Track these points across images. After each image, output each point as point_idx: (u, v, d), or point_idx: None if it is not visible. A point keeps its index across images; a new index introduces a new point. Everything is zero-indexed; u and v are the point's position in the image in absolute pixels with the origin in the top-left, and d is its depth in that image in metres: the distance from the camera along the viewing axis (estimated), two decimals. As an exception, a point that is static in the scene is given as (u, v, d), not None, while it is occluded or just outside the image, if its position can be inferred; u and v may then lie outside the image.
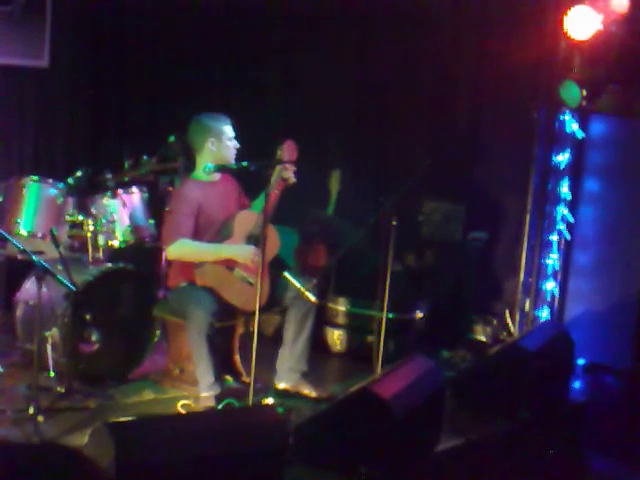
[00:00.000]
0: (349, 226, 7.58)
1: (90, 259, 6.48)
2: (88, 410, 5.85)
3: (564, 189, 7.68)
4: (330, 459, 5.04)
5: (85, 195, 6.58)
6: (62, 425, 5.54)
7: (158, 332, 6.57)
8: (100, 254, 6.54)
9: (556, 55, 7.42)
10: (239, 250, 6.08)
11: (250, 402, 5.58)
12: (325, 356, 7.46)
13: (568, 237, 7.76)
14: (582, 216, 7.78)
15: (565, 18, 7.03)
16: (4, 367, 6.35)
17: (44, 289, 5.48)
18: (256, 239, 5.95)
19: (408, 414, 5.03)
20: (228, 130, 6.29)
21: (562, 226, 7.73)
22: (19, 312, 6.34)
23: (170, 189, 7.11)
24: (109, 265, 6.42)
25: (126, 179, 6.83)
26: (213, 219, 6.19)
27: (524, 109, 7.65)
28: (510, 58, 7.34)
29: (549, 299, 7.78)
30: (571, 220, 7.73)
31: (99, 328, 6.22)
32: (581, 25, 6.97)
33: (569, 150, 7.68)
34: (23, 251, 5.50)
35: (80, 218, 6.50)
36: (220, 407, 5.84)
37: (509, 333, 7.78)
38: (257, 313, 5.53)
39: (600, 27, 6.96)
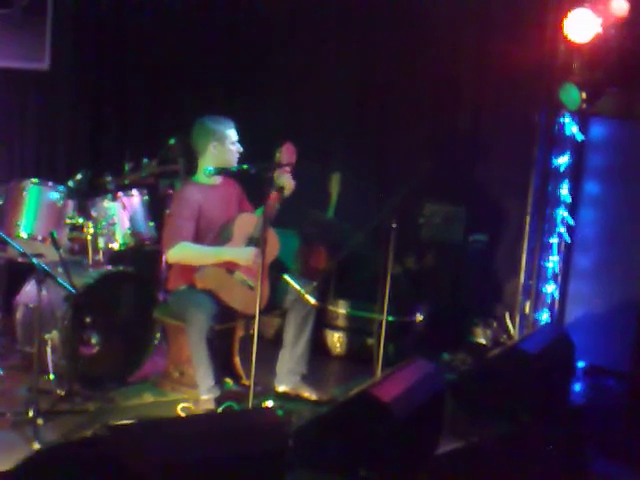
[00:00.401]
0: (349, 229, 7.58)
1: (90, 262, 6.48)
2: (88, 413, 5.85)
3: (564, 191, 7.68)
4: (330, 462, 5.03)
5: (85, 198, 6.58)
6: (62, 428, 5.54)
7: (158, 335, 6.58)
8: (100, 257, 6.54)
9: (556, 58, 7.43)
10: (240, 252, 6.08)
11: (250, 405, 5.58)
12: (325, 359, 7.46)
13: (568, 240, 7.76)
14: (582, 218, 7.79)
15: (565, 21, 7.02)
16: (4, 370, 6.35)
17: (44, 292, 5.48)
18: (256, 242, 5.95)
19: (408, 417, 5.03)
20: (231, 134, 6.28)
21: (562, 229, 7.73)
22: (19, 315, 6.34)
23: (170, 192, 7.12)
24: (109, 268, 6.42)
25: (126, 182, 6.84)
26: (214, 222, 6.19)
27: (524, 112, 7.66)
28: (510, 61, 7.35)
29: (549, 302, 7.78)
30: (571, 222, 7.73)
31: (99, 331, 6.22)
32: (581, 28, 6.97)
33: (569, 153, 7.69)
34: (23, 254, 5.50)
35: (80, 221, 6.50)
36: (220, 410, 5.84)
37: (509, 336, 7.77)
38: (257, 316, 5.52)
39: (600, 30, 6.95)
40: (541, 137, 7.68)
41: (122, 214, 6.72)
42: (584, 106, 7.33)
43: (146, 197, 6.97)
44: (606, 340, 7.54)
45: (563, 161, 7.67)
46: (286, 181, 6.11)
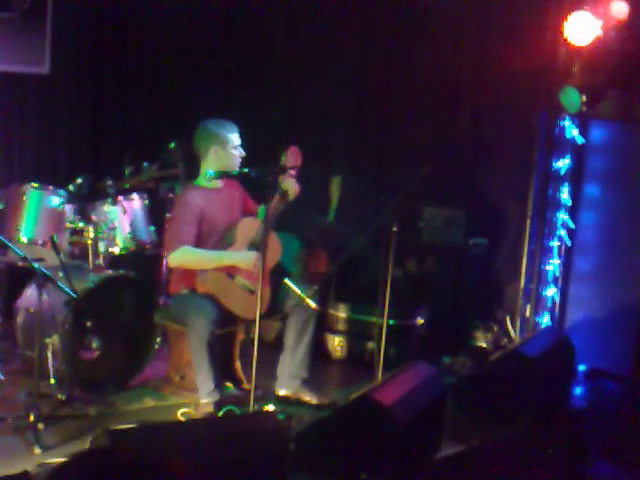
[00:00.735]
0: (350, 232, 7.58)
1: (91, 266, 6.49)
2: (88, 417, 5.84)
3: (564, 195, 7.68)
4: (331, 466, 5.03)
5: (86, 202, 6.57)
6: (62, 432, 5.54)
7: (159, 339, 6.57)
8: (101, 261, 6.54)
9: (556, 61, 7.43)
10: (241, 257, 6.08)
11: (251, 409, 5.58)
12: (326, 362, 7.46)
13: (569, 243, 7.76)
14: (582, 222, 7.78)
15: (565, 24, 7.03)
16: (4, 374, 6.35)
17: (45, 296, 5.47)
18: (258, 246, 5.94)
19: (409, 421, 5.03)
20: (234, 138, 6.26)
21: (562, 232, 7.73)
22: (20, 319, 6.34)
23: (171, 196, 7.13)
24: (110, 272, 6.42)
25: (127, 186, 6.84)
26: (216, 226, 6.18)
27: (524, 115, 7.67)
28: (510, 64, 7.35)
29: (550, 305, 7.78)
30: (571, 226, 7.73)
31: (100, 335, 6.21)
32: (581, 31, 6.97)
33: (569, 156, 7.69)
34: (24, 258, 5.50)
35: (81, 225, 6.50)
36: (221, 414, 5.84)
37: (510, 339, 7.78)
38: (257, 320, 5.52)
39: (600, 33, 6.96)
40: (541, 140, 7.69)
41: (122, 218, 6.72)
42: (584, 109, 7.33)
43: (146, 201, 6.97)
44: (607, 343, 7.54)
45: (563, 164, 7.67)
46: (290, 185, 6.11)
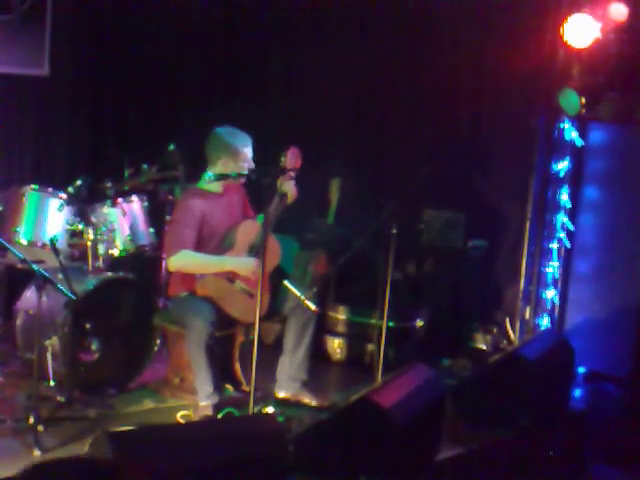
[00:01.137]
0: (349, 234, 7.57)
1: (90, 268, 6.48)
2: (88, 419, 5.84)
3: (564, 197, 7.69)
4: (330, 468, 5.03)
5: (85, 204, 6.57)
6: (62, 435, 5.54)
7: (158, 341, 6.57)
8: (100, 263, 6.54)
9: (555, 63, 7.44)
10: (241, 263, 6.08)
11: (250, 411, 5.57)
12: (325, 365, 7.46)
13: (568, 245, 7.77)
14: (582, 224, 7.79)
15: (564, 26, 7.04)
16: (4, 376, 6.35)
17: (44, 298, 5.47)
18: (258, 250, 5.92)
19: (408, 423, 5.03)
20: (246, 151, 6.20)
21: (562, 234, 7.73)
22: (19, 321, 6.33)
23: (170, 198, 7.13)
24: (109, 274, 6.41)
25: (126, 188, 6.83)
26: (217, 230, 6.18)
27: (523, 117, 7.66)
28: (509, 66, 7.35)
29: (549, 307, 7.78)
30: (571, 228, 7.74)
31: (99, 337, 6.21)
32: (580, 33, 6.98)
33: (568, 158, 7.69)
34: (23, 260, 5.50)
35: (80, 227, 6.49)
36: (220, 416, 5.83)
37: (509, 341, 7.77)
38: (257, 322, 5.52)
39: (599, 35, 6.97)
40: (540, 142, 7.69)
41: (122, 220, 6.72)
42: (583, 111, 7.34)
43: (146, 203, 6.97)
44: (606, 345, 7.54)
45: (563, 166, 7.67)
46: (289, 188, 6.10)
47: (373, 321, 7.26)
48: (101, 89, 8.66)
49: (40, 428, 5.38)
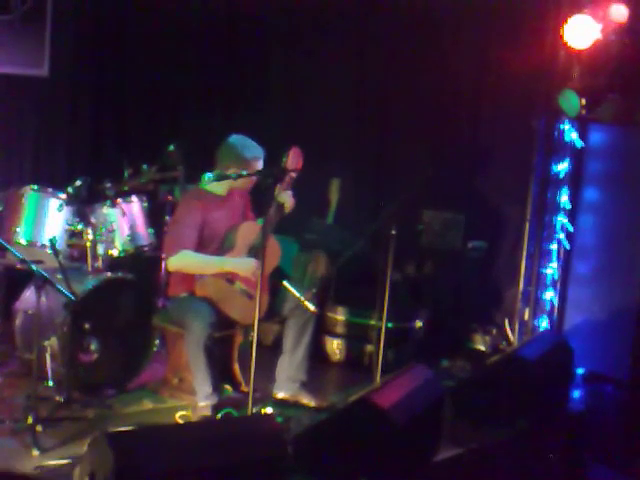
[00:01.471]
0: (349, 235, 7.57)
1: (89, 268, 6.47)
2: (87, 420, 5.84)
3: (563, 198, 7.68)
4: (329, 469, 5.03)
5: (85, 204, 6.56)
6: (61, 435, 5.54)
7: (157, 341, 6.57)
8: (99, 263, 6.53)
9: (555, 64, 7.43)
10: (241, 264, 6.07)
11: (249, 411, 5.57)
12: (324, 365, 7.45)
13: (567, 246, 7.76)
14: (581, 225, 7.78)
15: (564, 27, 7.04)
16: (3, 376, 6.35)
17: (43, 298, 5.48)
18: (258, 251, 5.91)
19: (407, 423, 5.03)
20: (257, 165, 6.16)
21: (561, 235, 7.73)
22: (18, 321, 6.33)
23: (170, 198, 7.12)
24: (108, 274, 6.41)
25: (126, 188, 6.82)
26: (217, 232, 6.16)
27: (524, 118, 7.66)
28: (510, 67, 7.36)
29: (548, 308, 7.78)
30: (570, 229, 7.73)
31: (98, 337, 6.21)
32: (580, 34, 6.98)
33: (568, 159, 7.68)
34: (22, 260, 5.49)
35: (79, 227, 6.49)
36: (219, 416, 5.83)
37: (508, 342, 7.77)
38: (256, 323, 5.51)
39: (599, 36, 6.97)
40: (540, 144, 7.68)
41: (121, 220, 6.71)
42: (584, 112, 7.35)
43: (145, 203, 6.97)
44: (605, 346, 7.53)
45: (562, 168, 7.66)
46: (287, 198, 6.10)
47: (372, 322, 7.26)
48: (101, 90, 8.66)
49: (39, 428, 5.37)
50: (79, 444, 5.31)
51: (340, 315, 7.58)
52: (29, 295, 6.25)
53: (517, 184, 7.79)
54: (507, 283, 7.93)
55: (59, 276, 5.82)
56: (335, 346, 7.54)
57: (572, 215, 7.75)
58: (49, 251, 5.96)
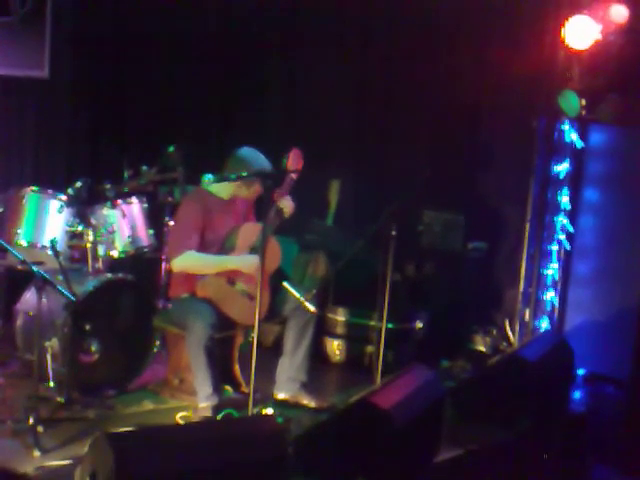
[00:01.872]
0: (349, 236, 7.57)
1: (90, 269, 6.48)
2: (88, 420, 5.85)
3: (564, 199, 7.69)
4: (329, 470, 5.03)
5: (85, 205, 6.57)
6: (62, 435, 5.54)
7: (157, 342, 6.57)
8: (100, 264, 6.54)
9: (555, 65, 7.44)
10: (244, 261, 6.07)
11: (249, 412, 5.57)
12: (324, 366, 7.46)
13: (568, 247, 7.77)
14: (582, 225, 7.79)
15: (564, 28, 7.04)
16: (4, 377, 6.35)
17: (44, 299, 5.47)
18: (259, 252, 5.91)
19: (408, 424, 5.02)
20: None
21: (562, 236, 7.73)
22: (19, 322, 6.33)
23: (170, 199, 7.12)
24: (109, 275, 6.41)
25: (126, 189, 6.82)
26: (219, 233, 6.16)
27: (524, 119, 7.66)
28: (509, 68, 7.35)
29: (549, 309, 7.78)
30: (571, 230, 7.74)
31: (99, 338, 6.22)
32: (580, 35, 6.99)
33: (568, 160, 7.69)
34: (23, 261, 5.49)
35: (80, 228, 6.49)
36: (219, 417, 5.84)
37: (509, 343, 7.77)
38: (256, 324, 5.51)
39: (599, 37, 6.97)
40: (540, 144, 7.69)
41: (121, 222, 6.72)
42: (583, 113, 7.35)
43: (145, 205, 6.97)
44: (606, 347, 7.54)
45: (562, 168, 7.67)
46: (286, 203, 6.11)
47: (372, 323, 7.26)
48: (100, 91, 8.67)
49: (40, 429, 5.37)
50: (80, 445, 5.31)
51: (340, 316, 7.58)
52: (30, 296, 6.25)
53: (517, 185, 7.79)
54: (507, 284, 7.93)
55: (60, 277, 5.83)
56: (335, 347, 7.55)
57: (572, 216, 7.75)
58: (49, 252, 5.97)
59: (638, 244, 7.46)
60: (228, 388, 6.45)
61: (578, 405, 7.13)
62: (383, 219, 6.15)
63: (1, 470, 4.87)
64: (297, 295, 6.26)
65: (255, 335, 5.50)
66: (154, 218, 7.05)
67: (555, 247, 7.74)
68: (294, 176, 6.04)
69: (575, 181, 7.76)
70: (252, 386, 5.52)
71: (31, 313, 6.13)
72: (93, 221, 6.55)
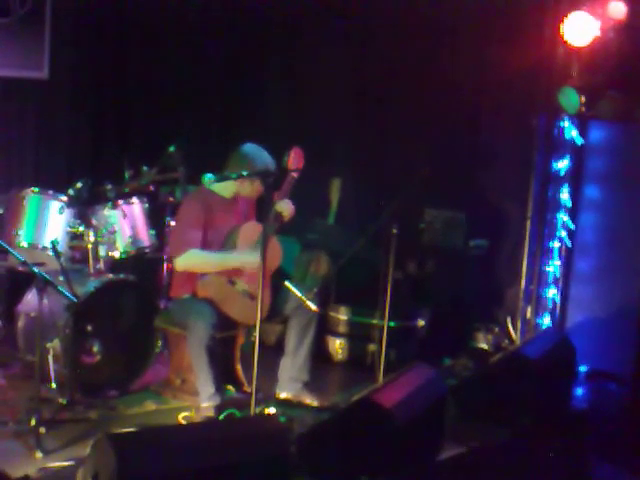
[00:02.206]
0: (350, 235, 7.57)
1: (91, 270, 6.48)
2: (90, 421, 5.85)
3: (564, 196, 7.68)
4: (332, 468, 5.03)
5: (86, 206, 6.57)
6: (64, 437, 5.54)
7: (159, 343, 6.57)
8: (101, 265, 6.54)
9: (554, 62, 7.43)
10: (247, 257, 6.06)
11: (252, 412, 5.57)
12: (327, 365, 7.45)
13: (569, 244, 7.76)
14: (583, 222, 7.78)
15: (563, 25, 7.04)
16: (6, 379, 6.35)
17: (45, 300, 5.46)
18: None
19: (410, 422, 5.03)
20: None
21: (563, 233, 7.73)
22: (20, 324, 6.34)
23: (171, 199, 7.12)
24: (110, 276, 6.42)
25: (126, 190, 6.82)
26: (220, 233, 6.15)
27: (523, 116, 7.66)
28: (509, 66, 7.35)
29: (550, 306, 7.78)
30: (572, 227, 7.73)
31: (100, 339, 6.22)
32: (579, 32, 6.98)
33: (569, 156, 7.69)
34: (24, 263, 5.49)
35: (81, 229, 6.49)
36: (222, 417, 5.84)
37: (511, 341, 7.77)
38: (258, 323, 5.51)
39: (598, 33, 6.97)
40: (540, 141, 7.69)
41: (122, 222, 6.71)
42: (583, 110, 7.34)
43: (146, 205, 6.96)
44: (607, 344, 7.53)
45: (563, 165, 7.67)
46: (285, 206, 6.10)
47: (374, 321, 7.26)
48: (101, 91, 8.66)
49: (42, 430, 5.37)
50: (82, 446, 5.31)
51: (342, 315, 7.58)
52: (31, 297, 6.26)
53: (518, 182, 7.79)
54: (509, 281, 7.93)
55: (61, 278, 5.83)
56: (337, 345, 7.55)
57: (573, 213, 7.75)
58: (50, 253, 5.97)
59: (639, 241, 7.46)
60: (230, 388, 6.44)
61: (580, 402, 7.14)
62: (384, 217, 6.15)
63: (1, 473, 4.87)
64: (299, 294, 6.25)
65: (257, 335, 5.50)
66: (155, 218, 7.05)
67: (556, 244, 7.74)
68: (295, 175, 6.03)
69: (575, 178, 7.75)
70: (254, 386, 5.52)
71: (32, 314, 6.13)
72: (94, 222, 6.55)
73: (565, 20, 7.02)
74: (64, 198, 6.47)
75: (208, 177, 6.09)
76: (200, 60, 8.73)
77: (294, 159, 5.99)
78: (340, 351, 7.54)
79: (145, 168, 6.87)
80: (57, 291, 5.48)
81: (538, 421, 5.95)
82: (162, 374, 6.60)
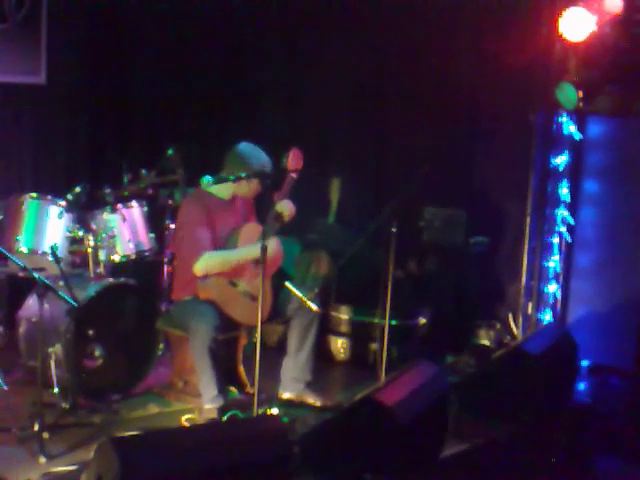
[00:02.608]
0: (350, 234, 7.57)
1: (91, 274, 6.48)
2: (93, 425, 5.86)
3: (563, 191, 7.68)
4: (336, 468, 5.03)
5: (85, 211, 6.57)
6: (67, 441, 5.55)
7: (161, 345, 6.58)
8: (101, 269, 6.54)
9: (551, 57, 7.43)
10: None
11: (255, 413, 5.57)
12: (329, 364, 7.45)
13: (569, 239, 7.76)
14: (582, 217, 7.78)
15: (560, 20, 7.03)
16: (8, 384, 6.35)
17: (46, 306, 5.47)
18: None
19: (413, 420, 5.03)
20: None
21: (563, 228, 7.72)
22: (22, 329, 6.34)
23: (170, 202, 7.12)
24: (110, 280, 6.42)
25: (125, 193, 6.83)
26: (220, 234, 6.14)
27: (521, 112, 7.65)
28: (506, 61, 7.34)
29: (551, 302, 7.77)
30: (571, 222, 7.73)
31: (102, 343, 6.23)
32: (576, 27, 6.98)
33: (567, 152, 7.68)
34: (24, 268, 5.49)
35: (80, 234, 6.49)
36: (225, 418, 5.84)
37: (512, 337, 7.76)
38: (259, 324, 5.51)
39: (595, 28, 6.96)
40: (539, 137, 7.68)
41: (122, 226, 6.72)
42: (581, 105, 7.34)
43: (145, 208, 6.97)
44: (609, 338, 7.53)
45: (562, 160, 7.66)
46: (285, 207, 6.09)
47: (376, 320, 7.25)
48: (99, 95, 8.65)
49: (45, 435, 5.37)
50: (86, 450, 5.33)
51: (344, 314, 7.58)
52: (32, 303, 6.26)
53: (517, 178, 7.78)
54: (510, 278, 7.93)
55: (61, 283, 5.83)
56: (339, 345, 7.55)
57: (573, 208, 7.75)
58: (50, 258, 5.98)
59: (639, 235, 7.46)
60: (233, 389, 6.45)
61: (583, 396, 7.14)
62: (384, 216, 6.16)
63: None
64: (300, 294, 6.25)
65: (258, 335, 5.50)
66: (155, 221, 7.05)
67: (556, 240, 7.74)
68: (294, 176, 6.03)
69: (574, 173, 7.75)
70: (257, 386, 5.53)
71: (34, 320, 6.13)
72: (93, 226, 6.55)
73: (562, 15, 7.02)
74: (63, 203, 6.47)
75: (206, 179, 6.09)
76: (198, 63, 8.73)
77: (293, 160, 5.98)
78: (342, 350, 7.54)
79: (144, 171, 6.88)
80: (58, 296, 5.48)
81: (541, 416, 5.95)
82: (164, 377, 6.61)
